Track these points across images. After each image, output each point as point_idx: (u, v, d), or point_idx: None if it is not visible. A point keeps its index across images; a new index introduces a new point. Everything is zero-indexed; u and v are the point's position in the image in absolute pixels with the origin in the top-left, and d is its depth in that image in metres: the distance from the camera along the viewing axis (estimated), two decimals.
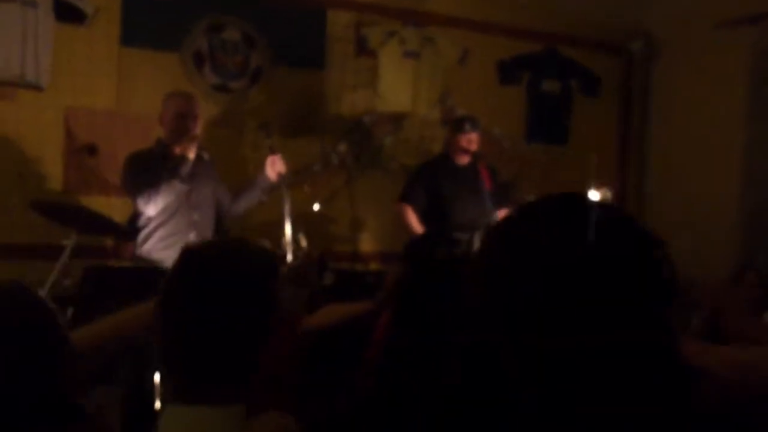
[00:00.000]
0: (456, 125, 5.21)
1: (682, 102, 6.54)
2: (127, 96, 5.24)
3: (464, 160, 5.09)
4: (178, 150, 4.07)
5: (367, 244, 6.04)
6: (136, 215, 4.22)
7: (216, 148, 5.46)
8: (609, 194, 4.82)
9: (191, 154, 4.09)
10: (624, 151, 7.03)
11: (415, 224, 5.11)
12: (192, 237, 4.02)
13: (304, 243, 4.41)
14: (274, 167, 4.32)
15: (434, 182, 5.15)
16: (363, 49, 6.06)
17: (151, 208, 4.04)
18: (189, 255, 1.34)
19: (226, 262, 1.31)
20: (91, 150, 5.07)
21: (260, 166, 4.54)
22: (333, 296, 4.94)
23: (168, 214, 4.09)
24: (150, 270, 3.89)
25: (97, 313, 3.40)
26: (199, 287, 1.27)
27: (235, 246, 1.40)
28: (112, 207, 4.76)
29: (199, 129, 4.21)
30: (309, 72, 5.88)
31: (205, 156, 4.25)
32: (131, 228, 4.20)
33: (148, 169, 4.00)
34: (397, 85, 6.14)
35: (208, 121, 5.46)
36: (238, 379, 1.26)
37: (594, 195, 4.63)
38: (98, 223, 4.05)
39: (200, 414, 1.22)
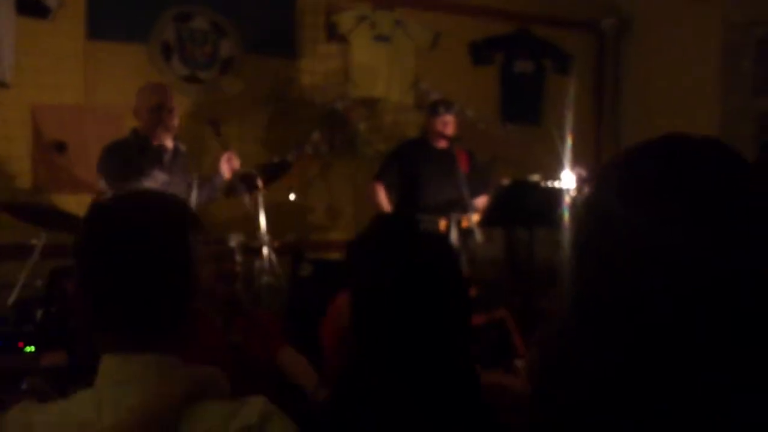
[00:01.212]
0: (430, 109, 5.19)
1: (656, 78, 6.54)
2: (95, 90, 5.16)
3: (442, 143, 5.07)
4: (155, 141, 4.04)
5: (344, 232, 6.00)
6: None
7: (187, 139, 5.41)
8: (583, 173, 4.81)
9: (169, 144, 4.08)
10: (598, 130, 7.04)
11: (384, 204, 5.08)
12: None
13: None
14: (229, 164, 4.27)
15: (410, 163, 5.12)
16: (334, 34, 6.00)
17: None
18: (100, 208, 1.35)
19: (138, 213, 1.32)
20: (60, 147, 4.98)
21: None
22: (311, 287, 4.92)
23: None
24: None
25: (67, 314, 3.37)
26: (116, 235, 1.28)
27: (147, 197, 1.44)
28: (82, 204, 4.65)
29: (176, 120, 4.16)
30: (280, 60, 5.81)
31: (182, 147, 4.23)
32: None
33: (129, 159, 3.94)
34: (369, 70, 6.09)
35: (179, 112, 5.39)
36: (166, 327, 1.28)
37: (569, 175, 4.62)
38: (68, 222, 3.98)
39: (134, 361, 1.24)
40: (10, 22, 4.86)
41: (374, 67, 6.11)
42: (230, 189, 4.47)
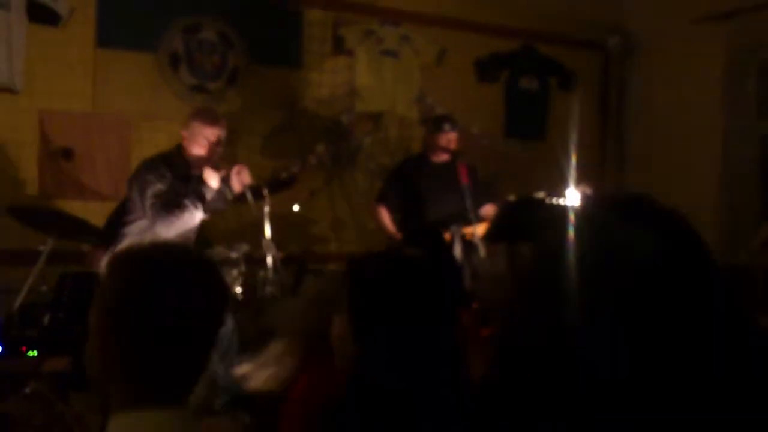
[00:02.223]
0: (435, 125, 5.20)
1: (659, 97, 6.57)
2: (103, 98, 5.19)
3: (442, 158, 5.08)
4: (197, 171, 3.94)
5: (348, 244, 6.02)
6: (117, 218, 4.10)
7: None
8: (588, 191, 4.83)
9: (216, 183, 3.94)
10: (603, 148, 7.06)
11: (388, 225, 5.11)
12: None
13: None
14: (239, 177, 4.16)
15: (410, 181, 5.13)
16: (340, 48, 6.04)
17: (171, 231, 3.82)
18: (139, 259, 1.32)
19: (184, 273, 1.30)
20: (67, 154, 5.01)
21: (229, 165, 4.46)
22: None
23: None
24: None
25: (74, 319, 3.38)
26: (160, 291, 1.25)
27: (187, 256, 1.39)
28: (88, 211, 4.69)
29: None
30: (286, 72, 5.85)
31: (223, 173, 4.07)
32: (108, 232, 4.11)
33: (174, 189, 3.85)
34: (374, 84, 6.12)
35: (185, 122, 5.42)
36: (188, 382, 1.28)
37: (574, 192, 4.63)
38: (75, 228, 4.00)
39: (153, 417, 1.22)
40: (21, 28, 4.90)
41: (380, 81, 6.14)
42: (238, 196, 4.43)
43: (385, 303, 1.67)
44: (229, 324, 3.81)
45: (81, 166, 5.04)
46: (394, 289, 1.69)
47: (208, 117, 4.06)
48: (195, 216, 3.88)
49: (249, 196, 4.22)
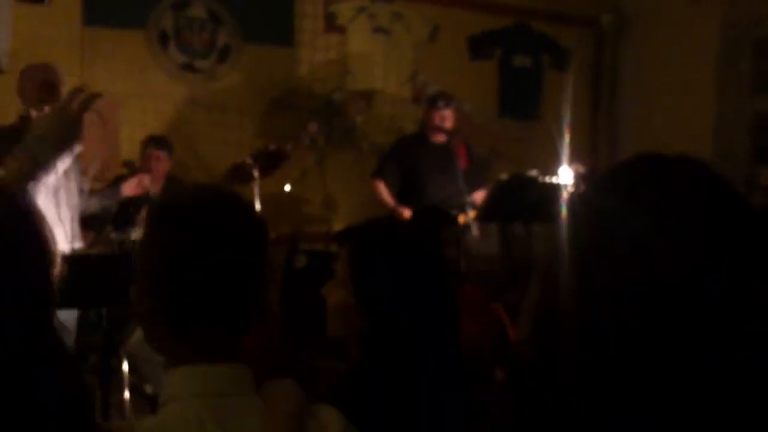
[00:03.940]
0: (429, 102, 5.17)
1: (653, 75, 6.54)
2: (91, 77, 5.10)
3: (440, 138, 5.05)
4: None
5: (340, 224, 5.99)
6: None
7: (184, 127, 5.39)
8: (581, 169, 4.80)
9: None
10: (596, 126, 7.04)
11: (387, 199, 5.08)
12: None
13: None
14: (142, 182, 4.09)
15: (408, 159, 5.10)
16: (332, 25, 5.97)
17: None
18: (173, 208, 1.28)
19: (218, 217, 1.24)
20: None
21: (227, 145, 4.39)
22: (305, 278, 4.91)
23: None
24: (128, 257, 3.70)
25: (78, 301, 3.34)
26: (196, 239, 1.20)
27: (224, 197, 1.32)
28: None
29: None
30: (277, 49, 5.79)
31: None
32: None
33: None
34: (367, 62, 6.07)
35: (176, 101, 5.37)
36: (237, 336, 1.23)
37: (567, 170, 4.61)
38: None
39: (212, 372, 1.18)
40: (7, 6, 4.83)
41: (372, 59, 6.09)
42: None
43: (390, 271, 1.68)
44: None
45: None
46: (398, 256, 1.71)
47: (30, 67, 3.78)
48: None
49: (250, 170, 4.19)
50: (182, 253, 1.20)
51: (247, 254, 1.23)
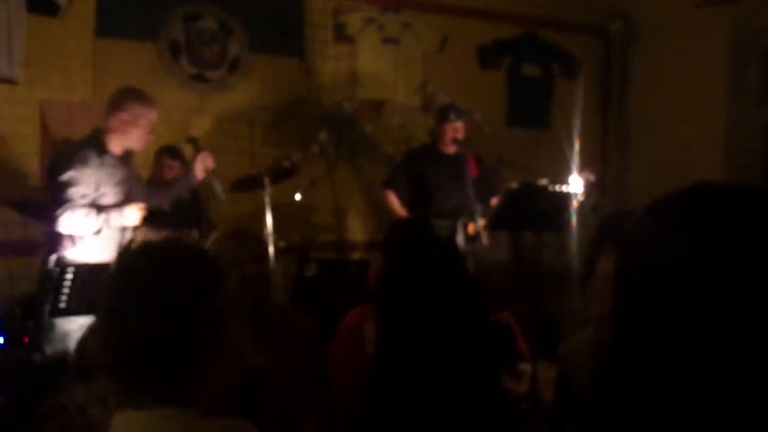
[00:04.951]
0: (441, 114, 5.19)
1: (662, 83, 6.53)
2: (103, 88, 5.13)
3: (451, 149, 5.08)
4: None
5: (350, 233, 6.01)
6: None
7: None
8: (591, 178, 4.81)
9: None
10: (605, 134, 7.04)
11: (398, 209, 5.11)
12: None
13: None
14: (205, 163, 4.11)
15: (419, 170, 5.13)
16: (341, 35, 6.01)
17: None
18: (128, 257, 1.33)
19: (168, 265, 1.29)
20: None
21: (238, 154, 4.40)
22: (316, 287, 4.93)
23: None
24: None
25: (79, 308, 3.37)
26: (144, 287, 1.25)
27: (177, 249, 1.39)
28: None
29: None
30: (288, 60, 5.82)
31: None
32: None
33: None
34: (376, 71, 6.10)
35: (188, 111, 5.41)
36: (187, 383, 1.26)
37: (576, 179, 4.62)
38: None
39: (153, 416, 1.22)
40: (21, 19, 4.87)
41: (381, 69, 6.12)
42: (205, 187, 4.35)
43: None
44: None
45: None
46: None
47: (151, 99, 3.89)
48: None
49: (216, 184, 4.17)
50: (115, 305, 1.25)
51: (183, 302, 1.25)
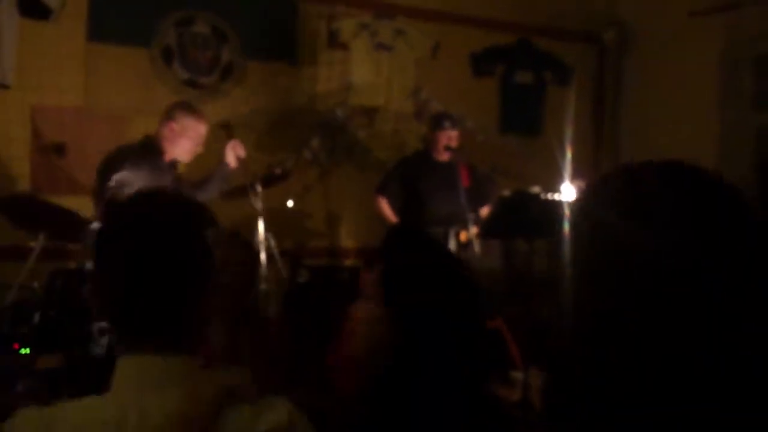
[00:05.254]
0: (435, 122, 5.18)
1: (656, 90, 6.55)
2: (95, 93, 5.15)
3: (444, 157, 5.08)
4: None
5: (342, 239, 6.00)
6: None
7: None
8: (584, 185, 4.81)
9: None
10: (598, 142, 7.05)
11: (390, 216, 5.11)
12: None
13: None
14: (235, 152, 4.21)
15: (412, 177, 5.13)
16: (335, 42, 6.01)
17: None
18: (117, 207, 1.36)
19: (155, 211, 1.31)
20: (59, 149, 4.97)
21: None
22: (308, 293, 4.91)
23: None
24: None
25: (65, 317, 3.36)
26: (133, 234, 1.27)
27: (163, 196, 1.41)
28: (81, 207, 4.63)
29: None
30: (281, 66, 5.82)
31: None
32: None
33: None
34: (369, 78, 6.10)
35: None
36: (185, 328, 1.27)
37: (569, 186, 4.61)
38: (67, 224, 3.96)
39: (156, 363, 1.23)
40: (12, 23, 4.86)
41: (374, 75, 6.12)
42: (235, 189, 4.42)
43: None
44: None
45: (73, 161, 5.00)
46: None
47: (201, 113, 4.07)
48: None
49: (253, 187, 4.23)
50: (107, 249, 1.29)
51: (171, 243, 1.27)
